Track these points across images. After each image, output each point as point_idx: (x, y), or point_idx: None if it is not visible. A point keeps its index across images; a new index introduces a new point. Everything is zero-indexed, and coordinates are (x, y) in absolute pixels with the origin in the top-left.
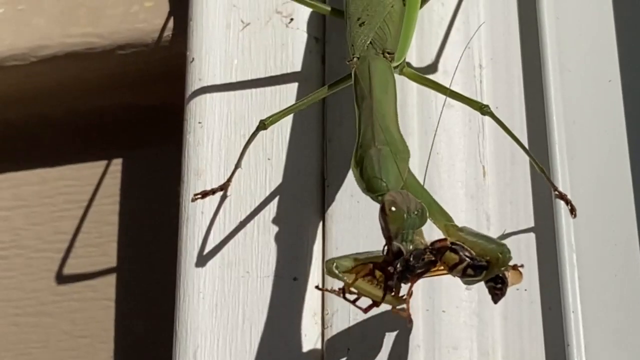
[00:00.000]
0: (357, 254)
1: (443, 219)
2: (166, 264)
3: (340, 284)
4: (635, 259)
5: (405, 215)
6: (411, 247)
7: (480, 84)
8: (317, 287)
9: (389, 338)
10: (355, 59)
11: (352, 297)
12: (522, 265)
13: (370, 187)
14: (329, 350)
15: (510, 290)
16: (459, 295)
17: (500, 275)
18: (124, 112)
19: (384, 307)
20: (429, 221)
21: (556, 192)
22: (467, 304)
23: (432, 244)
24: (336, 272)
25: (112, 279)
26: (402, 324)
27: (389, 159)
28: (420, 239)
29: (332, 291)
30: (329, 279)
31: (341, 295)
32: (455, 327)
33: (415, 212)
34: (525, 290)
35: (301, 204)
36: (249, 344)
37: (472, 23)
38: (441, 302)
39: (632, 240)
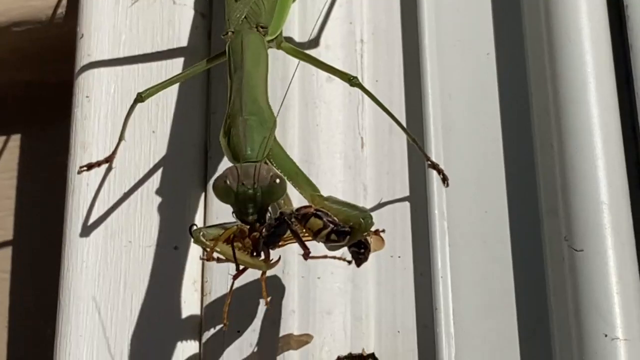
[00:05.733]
0: (225, 223)
1: (309, 189)
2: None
3: (212, 252)
4: (503, 225)
5: (234, 192)
6: (252, 218)
7: (361, 59)
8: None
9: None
10: (230, 33)
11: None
12: (383, 230)
13: (235, 156)
14: (207, 317)
15: (385, 257)
16: (335, 262)
17: (363, 240)
18: (21, 89)
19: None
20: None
21: (429, 162)
22: (342, 270)
23: (297, 210)
24: (203, 240)
25: (7, 251)
26: (277, 290)
27: (255, 129)
28: (287, 207)
29: (202, 258)
30: None
31: (212, 260)
32: (330, 293)
33: (259, 186)
34: (399, 257)
35: (184, 175)
36: (130, 311)
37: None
38: (317, 269)
39: (502, 208)
